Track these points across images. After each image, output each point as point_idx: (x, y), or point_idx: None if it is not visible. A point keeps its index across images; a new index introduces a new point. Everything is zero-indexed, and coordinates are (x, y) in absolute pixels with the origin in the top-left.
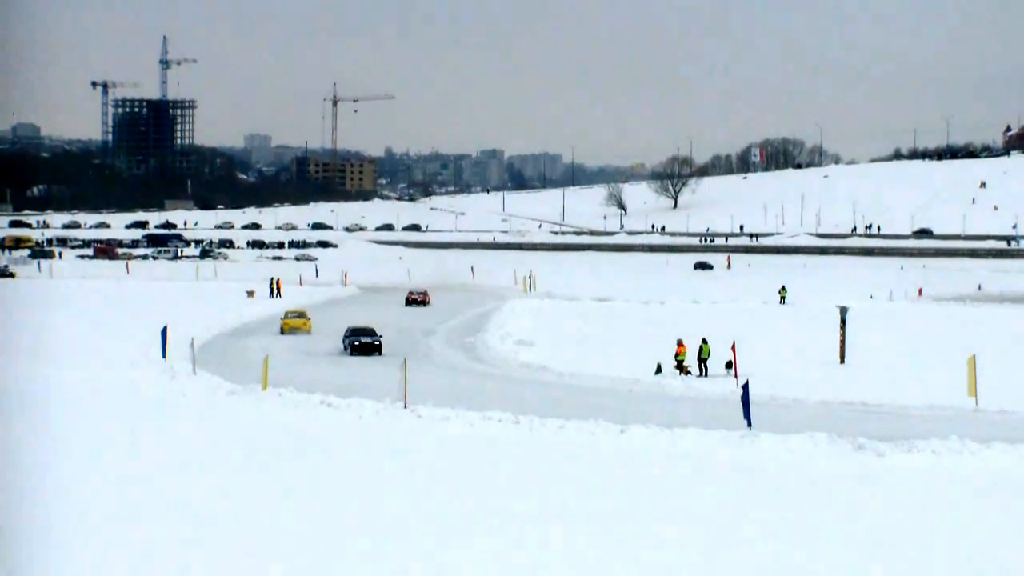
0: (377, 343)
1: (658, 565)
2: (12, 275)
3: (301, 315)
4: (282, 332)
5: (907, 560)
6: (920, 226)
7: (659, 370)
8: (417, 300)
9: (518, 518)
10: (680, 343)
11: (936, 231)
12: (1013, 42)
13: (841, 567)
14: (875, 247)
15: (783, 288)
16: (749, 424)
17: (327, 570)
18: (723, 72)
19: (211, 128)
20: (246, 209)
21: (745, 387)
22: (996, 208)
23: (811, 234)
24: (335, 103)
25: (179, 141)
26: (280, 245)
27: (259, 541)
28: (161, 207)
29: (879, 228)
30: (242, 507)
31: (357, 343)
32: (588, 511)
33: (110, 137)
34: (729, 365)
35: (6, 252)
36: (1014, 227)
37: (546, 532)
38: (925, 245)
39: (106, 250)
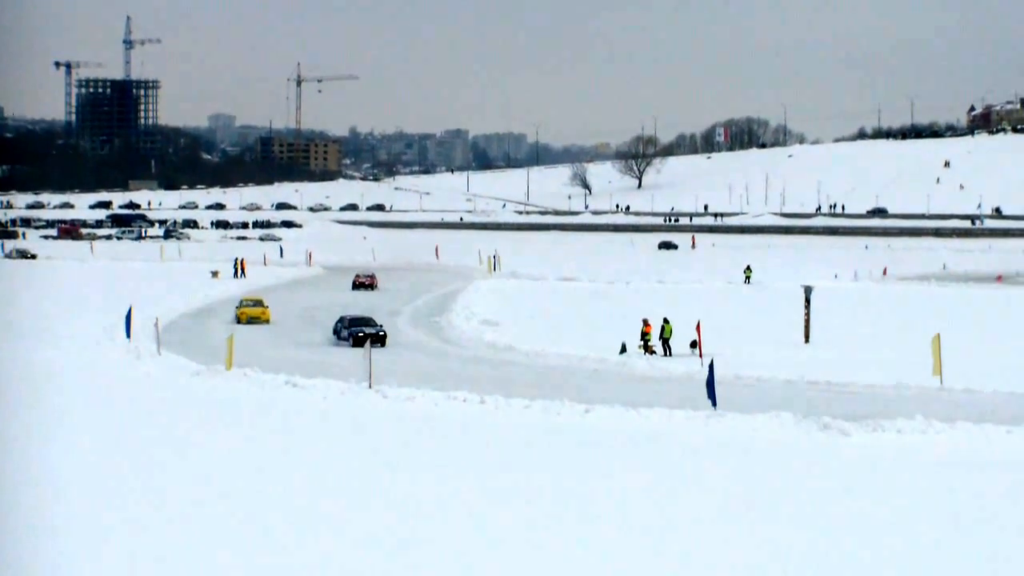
0: (382, 333)
1: (620, 544)
2: (33, 256)
3: (258, 303)
4: (238, 322)
5: (871, 539)
6: (882, 205)
7: (624, 350)
8: (364, 284)
9: (481, 497)
10: (646, 323)
11: (901, 211)
12: (978, 22)
13: (804, 546)
14: (840, 227)
15: (748, 268)
16: (714, 404)
17: (285, 546)
18: (687, 52)
19: (175, 108)
20: (210, 190)
21: (710, 367)
22: (962, 187)
23: (775, 214)
24: (299, 83)
25: (143, 121)
26: (244, 225)
27: (219, 518)
28: (125, 187)
29: (843, 208)
30: (202, 486)
31: (360, 334)
32: (551, 490)
33: (74, 117)
34: (694, 345)
35: None
36: (978, 206)
37: (509, 510)
38: (890, 224)
39: (70, 231)
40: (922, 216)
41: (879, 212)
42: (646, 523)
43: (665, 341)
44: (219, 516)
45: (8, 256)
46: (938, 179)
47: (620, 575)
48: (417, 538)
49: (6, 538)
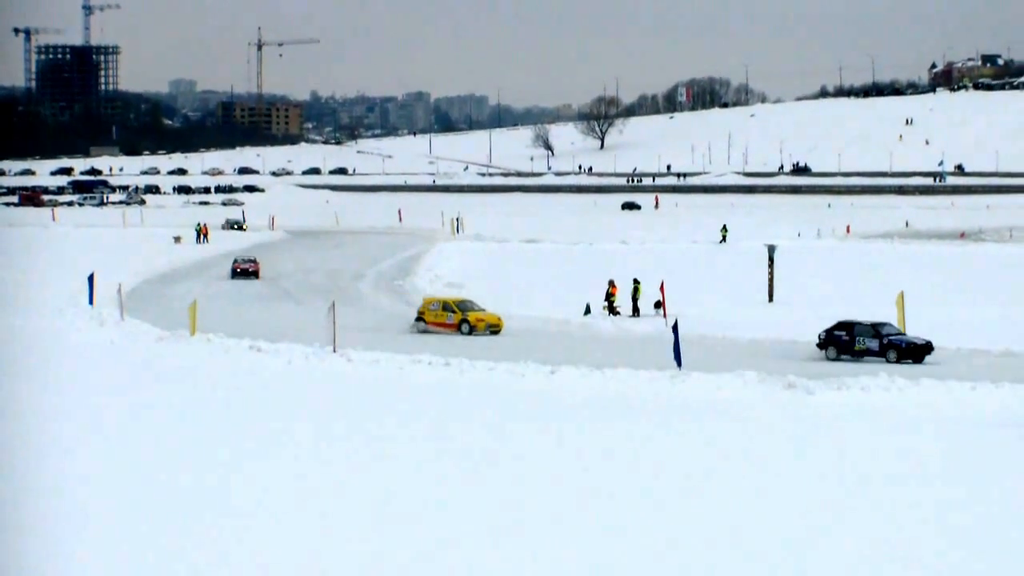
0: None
1: (582, 505)
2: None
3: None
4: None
5: (834, 495)
6: (848, 167)
7: (588, 311)
8: (247, 271)
9: (445, 457)
10: (612, 284)
11: (863, 169)
12: None
13: (770, 504)
14: (802, 185)
15: (724, 227)
16: (679, 363)
17: (249, 513)
18: (649, 11)
19: (136, 74)
20: (172, 155)
21: (675, 327)
22: (928, 142)
23: (738, 173)
24: (260, 47)
25: (104, 87)
26: (207, 190)
27: (178, 483)
28: (86, 154)
29: (806, 166)
30: (164, 451)
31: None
32: (515, 450)
33: (34, 84)
34: (658, 305)
35: None
36: (940, 164)
37: (475, 472)
38: (853, 183)
39: (31, 197)
40: (884, 174)
41: (802, 170)
42: (610, 484)
43: (635, 301)
44: (174, 480)
45: None
46: (900, 136)
47: (580, 531)
48: (386, 499)
49: None
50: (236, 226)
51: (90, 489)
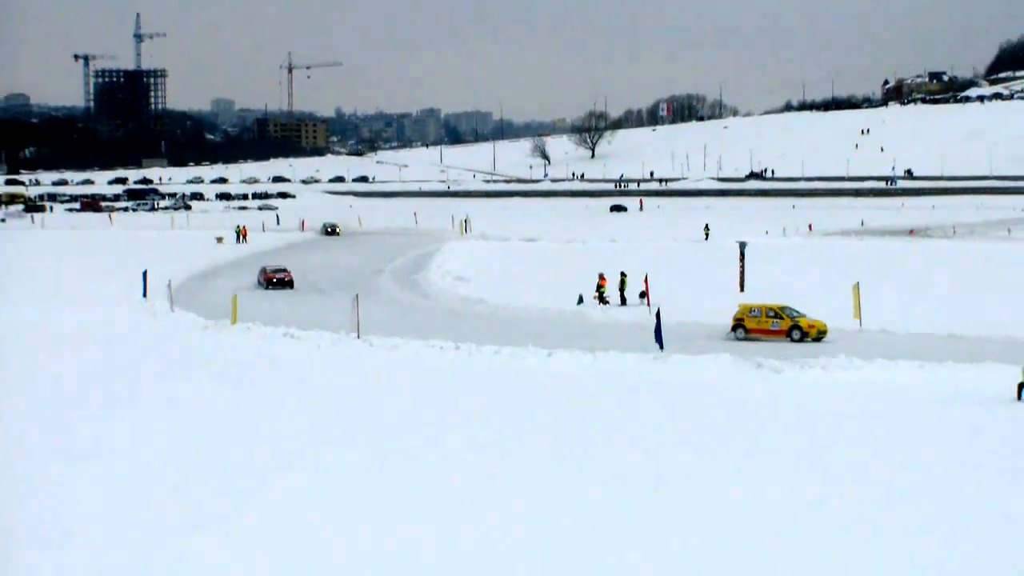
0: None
1: (579, 468)
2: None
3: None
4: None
5: (799, 460)
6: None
7: (580, 301)
8: (282, 280)
9: (457, 426)
10: (602, 276)
11: (823, 174)
12: (890, 4)
13: (744, 467)
14: (770, 189)
15: (707, 226)
16: (661, 347)
17: (272, 475)
18: (635, 35)
19: (181, 94)
20: (214, 166)
21: (657, 315)
22: (883, 149)
23: (713, 179)
24: (290, 70)
25: (153, 106)
26: (245, 196)
27: (219, 449)
28: (139, 165)
29: (773, 172)
30: (213, 422)
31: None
32: (517, 423)
33: (92, 104)
34: (643, 295)
35: (2, 207)
36: (892, 168)
37: (485, 440)
38: (814, 186)
39: (91, 204)
40: (842, 178)
41: (757, 176)
42: (604, 452)
43: (622, 292)
44: (220, 447)
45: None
46: (857, 145)
47: (570, 489)
48: (407, 469)
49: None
50: (331, 230)
51: (153, 450)
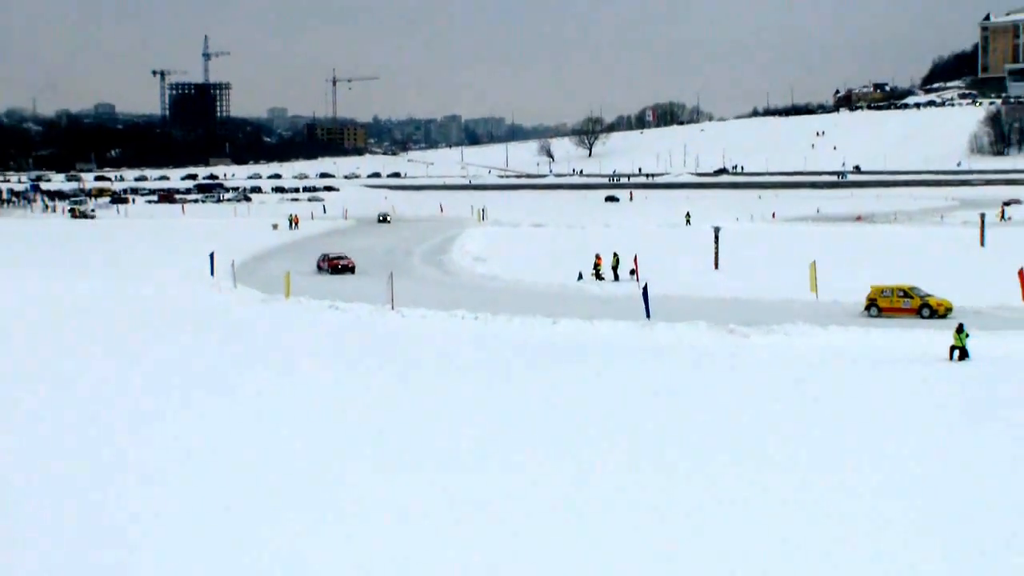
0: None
1: (575, 412)
2: (93, 216)
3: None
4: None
5: (764, 410)
6: (773, 168)
7: (580, 277)
8: (346, 267)
9: (477, 381)
10: (598, 256)
11: (784, 169)
12: (841, 23)
13: (716, 415)
14: (740, 182)
15: (688, 214)
16: (648, 315)
17: (339, 421)
18: (625, 51)
19: (242, 103)
20: (270, 164)
21: (644, 288)
22: (835, 148)
23: (692, 174)
24: (334, 83)
25: (219, 114)
26: (296, 190)
27: (282, 397)
28: (206, 164)
29: (742, 168)
30: (270, 377)
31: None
32: (527, 379)
33: (167, 112)
34: (632, 272)
35: (93, 199)
36: (843, 165)
37: (504, 393)
38: (777, 180)
39: (166, 196)
40: (801, 173)
41: (724, 171)
42: (600, 400)
43: (615, 269)
44: (283, 395)
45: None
46: (813, 145)
47: (569, 433)
48: (432, 419)
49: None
50: (383, 218)
51: (231, 401)
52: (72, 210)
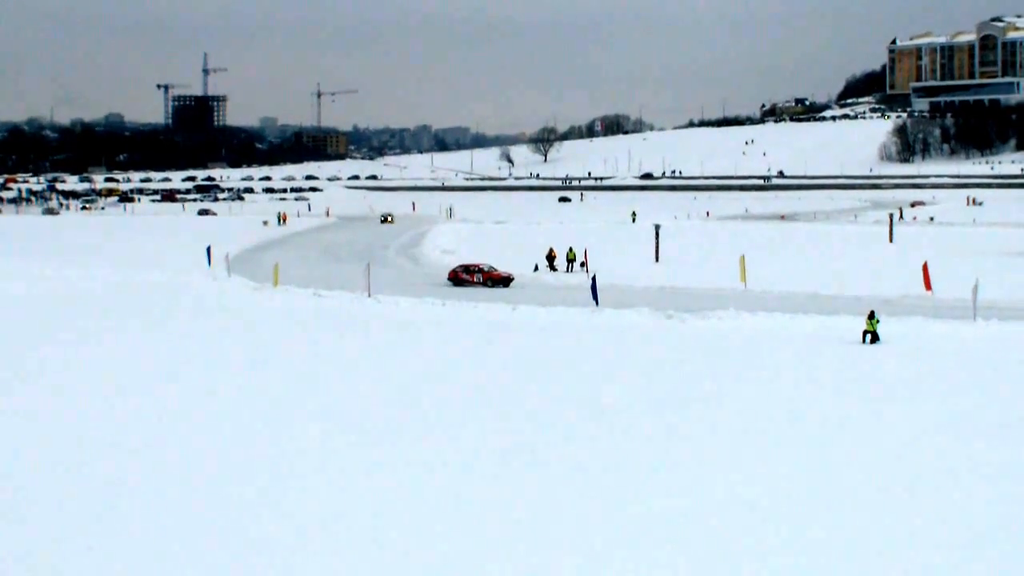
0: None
1: (533, 382)
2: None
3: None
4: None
5: (695, 383)
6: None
7: (536, 268)
8: (503, 279)
9: (443, 360)
10: (552, 250)
11: (717, 173)
12: (768, 43)
13: (653, 390)
14: (677, 184)
15: (633, 213)
16: (596, 302)
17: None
18: (576, 69)
19: (237, 113)
20: (261, 167)
21: (593, 278)
22: (765, 154)
23: (635, 177)
24: (319, 95)
25: (216, 123)
26: (284, 190)
27: (268, 374)
28: (205, 167)
29: (680, 172)
30: (259, 357)
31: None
32: (490, 357)
33: (170, 121)
34: (583, 264)
35: (103, 198)
36: (768, 170)
37: (464, 372)
38: (711, 183)
39: (169, 196)
40: (732, 177)
41: (647, 176)
42: (550, 375)
43: (570, 262)
44: (269, 373)
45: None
46: (744, 152)
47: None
48: (406, 396)
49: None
50: (386, 219)
51: (218, 375)
52: (83, 207)
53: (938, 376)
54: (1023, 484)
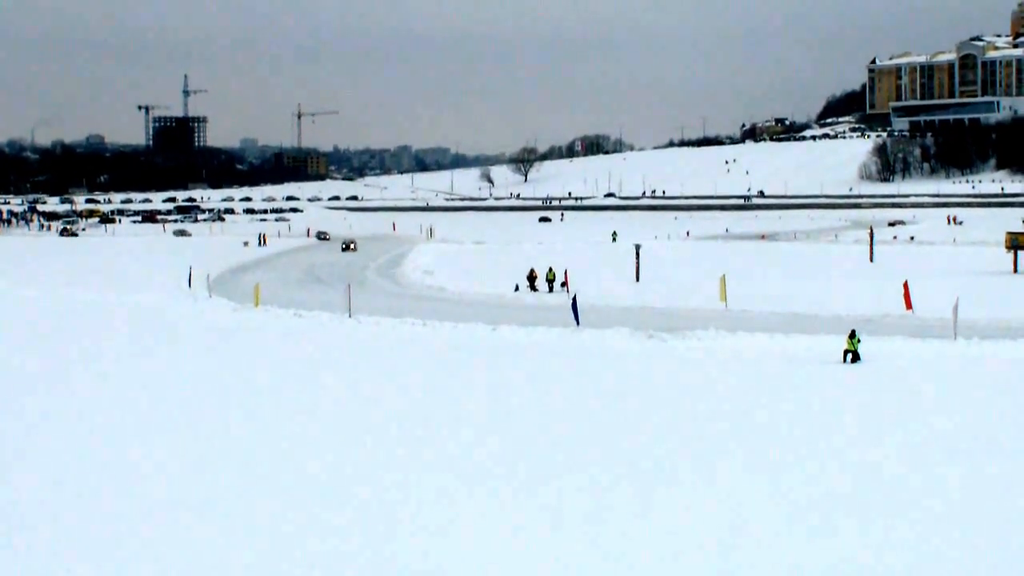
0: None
1: (513, 406)
2: (76, 234)
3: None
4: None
5: (678, 402)
6: (688, 192)
7: (517, 288)
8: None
9: (421, 383)
10: (532, 270)
11: (698, 193)
12: (748, 62)
13: (633, 410)
14: (658, 204)
15: (614, 232)
16: (577, 323)
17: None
18: (556, 89)
19: (218, 135)
20: (242, 188)
21: (574, 299)
22: (748, 172)
23: (616, 197)
24: (299, 116)
25: (197, 144)
26: (265, 211)
27: (241, 399)
28: (185, 188)
29: (664, 192)
30: (241, 376)
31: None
32: (468, 378)
33: (151, 142)
34: (563, 284)
35: (83, 219)
36: (748, 189)
37: (443, 392)
38: (691, 203)
39: (149, 217)
40: (712, 197)
41: (611, 195)
42: (532, 394)
43: (550, 282)
44: (242, 398)
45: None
46: (728, 170)
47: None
48: (390, 415)
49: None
50: (348, 246)
51: (198, 390)
52: (63, 229)
53: (919, 395)
54: (1007, 503)
